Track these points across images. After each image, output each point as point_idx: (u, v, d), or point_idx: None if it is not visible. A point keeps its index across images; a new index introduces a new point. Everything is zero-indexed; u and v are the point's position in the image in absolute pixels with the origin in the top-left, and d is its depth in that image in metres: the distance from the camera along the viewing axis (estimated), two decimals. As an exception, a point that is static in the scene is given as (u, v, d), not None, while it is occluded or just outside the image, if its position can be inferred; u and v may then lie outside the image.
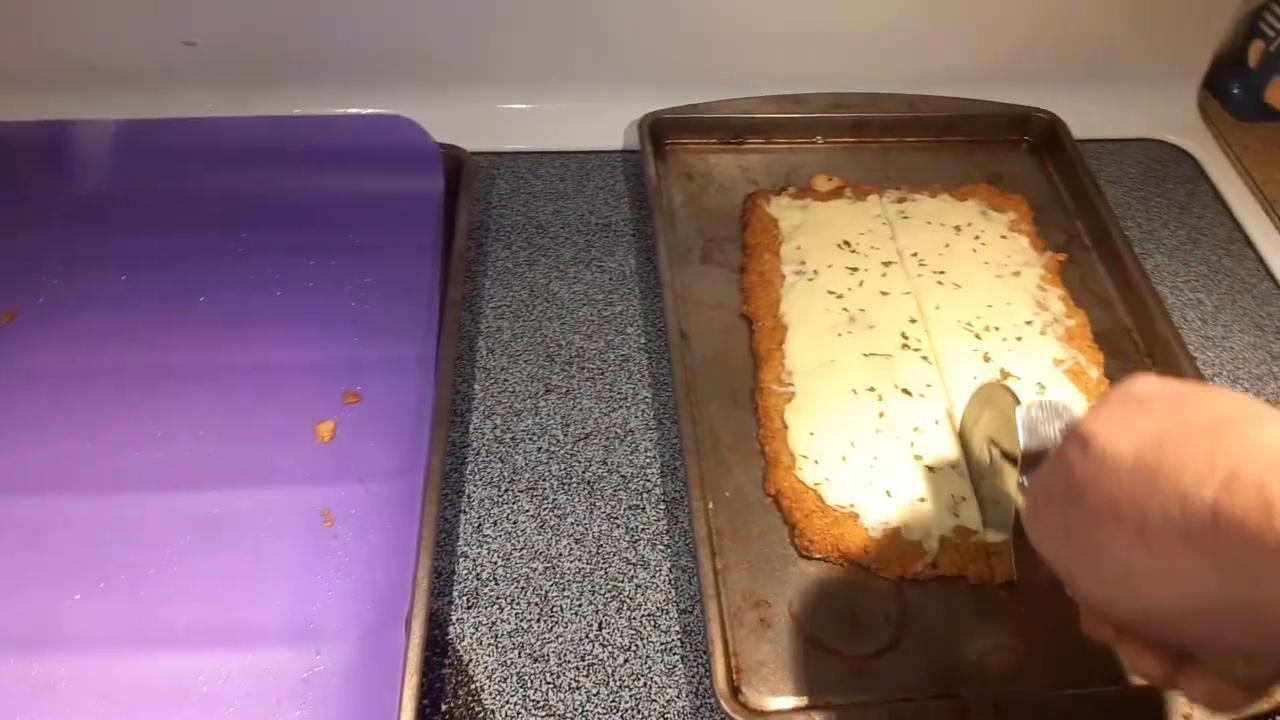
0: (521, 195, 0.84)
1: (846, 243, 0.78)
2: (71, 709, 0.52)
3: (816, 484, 0.63)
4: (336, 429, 0.65)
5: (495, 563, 0.61)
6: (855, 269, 0.76)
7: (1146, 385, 0.42)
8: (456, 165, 0.78)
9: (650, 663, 0.57)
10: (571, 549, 0.62)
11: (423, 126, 0.78)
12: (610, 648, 0.58)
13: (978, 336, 0.72)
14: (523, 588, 0.60)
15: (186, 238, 0.75)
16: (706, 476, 0.64)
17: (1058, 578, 0.44)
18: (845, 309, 0.73)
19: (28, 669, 0.53)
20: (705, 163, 0.87)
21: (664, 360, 0.72)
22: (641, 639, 0.58)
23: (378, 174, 0.79)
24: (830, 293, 0.74)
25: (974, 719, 0.54)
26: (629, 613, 0.59)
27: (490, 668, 0.56)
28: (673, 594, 0.60)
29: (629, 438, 0.68)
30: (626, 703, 0.55)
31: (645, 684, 0.56)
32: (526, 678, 0.56)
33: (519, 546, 0.62)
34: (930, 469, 0.64)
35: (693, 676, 0.57)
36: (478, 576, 0.60)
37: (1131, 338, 0.75)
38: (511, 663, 0.57)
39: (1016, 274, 0.77)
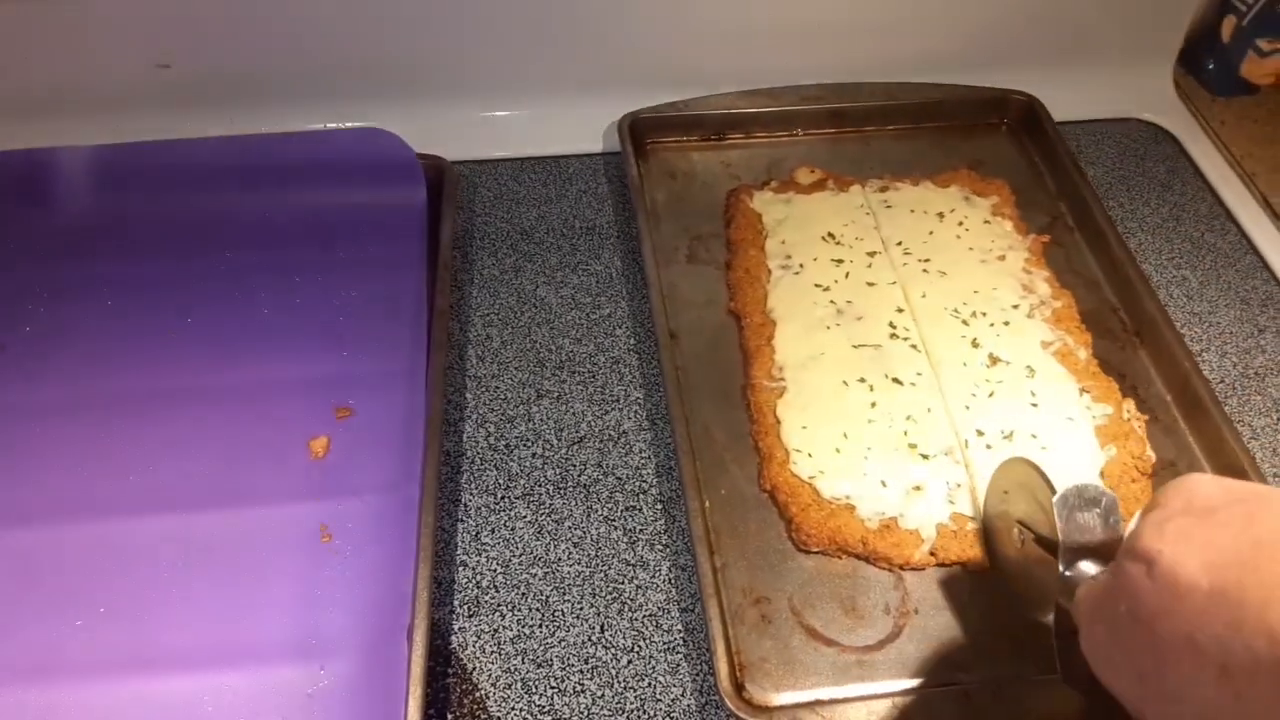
0: (505, 202, 0.84)
1: (831, 234, 0.78)
2: (77, 737, 0.52)
3: (811, 477, 0.63)
4: (330, 444, 0.65)
5: (495, 570, 0.61)
6: (841, 261, 0.77)
7: (1207, 491, 0.38)
8: (438, 175, 0.78)
9: (653, 663, 0.57)
10: (570, 553, 0.62)
11: (402, 138, 0.78)
12: (613, 649, 0.58)
13: (965, 323, 0.72)
14: (523, 594, 0.60)
15: (170, 260, 0.75)
16: (702, 475, 0.64)
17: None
18: (832, 301, 0.74)
19: (31, 698, 0.53)
20: (687, 160, 0.87)
21: (654, 361, 0.72)
22: (644, 640, 0.58)
23: (359, 188, 0.78)
24: (817, 285, 0.75)
25: (975, 704, 0.54)
26: (630, 614, 0.59)
27: (494, 675, 0.57)
28: (673, 593, 0.60)
29: (623, 440, 0.68)
30: (632, 704, 0.56)
31: (649, 684, 0.57)
32: (531, 683, 0.56)
33: (518, 553, 0.62)
34: (924, 457, 0.64)
35: (696, 675, 0.57)
36: (478, 585, 0.61)
37: (1118, 317, 0.75)
38: (515, 669, 0.57)
39: (1001, 258, 0.77)
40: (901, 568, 0.61)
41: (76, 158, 0.77)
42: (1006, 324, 0.72)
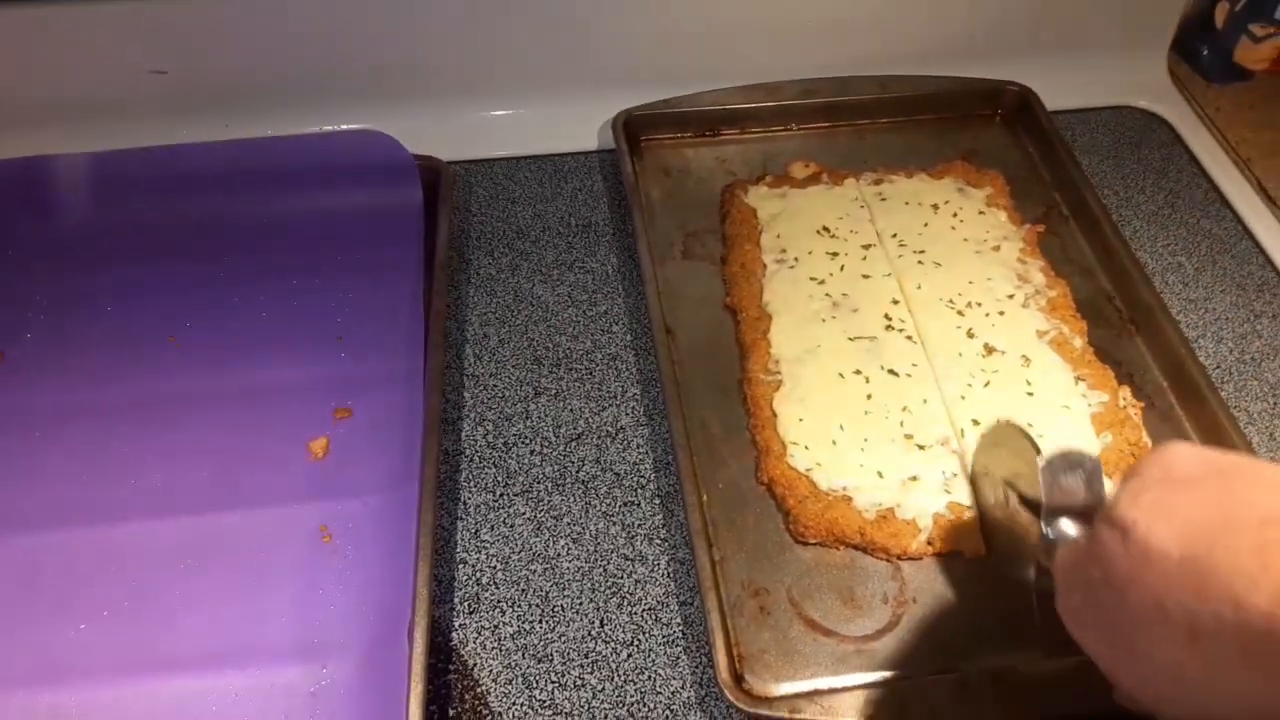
0: (501, 201, 0.84)
1: (826, 228, 0.79)
2: (83, 738, 0.53)
3: (808, 470, 0.64)
4: (329, 445, 0.66)
5: (494, 567, 0.62)
6: (835, 254, 0.77)
7: (1184, 461, 0.39)
8: (434, 175, 0.79)
9: (653, 656, 0.58)
10: (569, 549, 0.62)
11: (398, 140, 0.78)
12: (613, 644, 0.58)
13: (960, 313, 0.72)
14: (523, 590, 0.61)
15: (169, 266, 0.75)
16: (699, 469, 0.64)
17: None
18: (828, 294, 0.74)
19: (36, 701, 0.54)
20: (681, 157, 0.87)
21: (651, 357, 0.73)
22: (643, 633, 0.59)
23: (355, 190, 0.79)
24: (812, 279, 0.75)
25: (973, 691, 0.54)
26: (630, 608, 0.60)
27: (495, 671, 0.57)
28: (672, 587, 0.61)
29: (620, 435, 0.68)
30: (632, 696, 0.56)
31: (649, 677, 0.57)
32: (531, 678, 0.57)
33: (517, 549, 0.62)
34: (920, 447, 0.65)
35: (696, 667, 0.57)
36: (478, 582, 0.61)
37: (1114, 305, 0.75)
38: (516, 664, 0.57)
39: (996, 249, 0.77)
40: (899, 557, 0.61)
41: (74, 165, 0.78)
42: (1001, 314, 0.72)
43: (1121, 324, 0.74)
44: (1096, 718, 0.50)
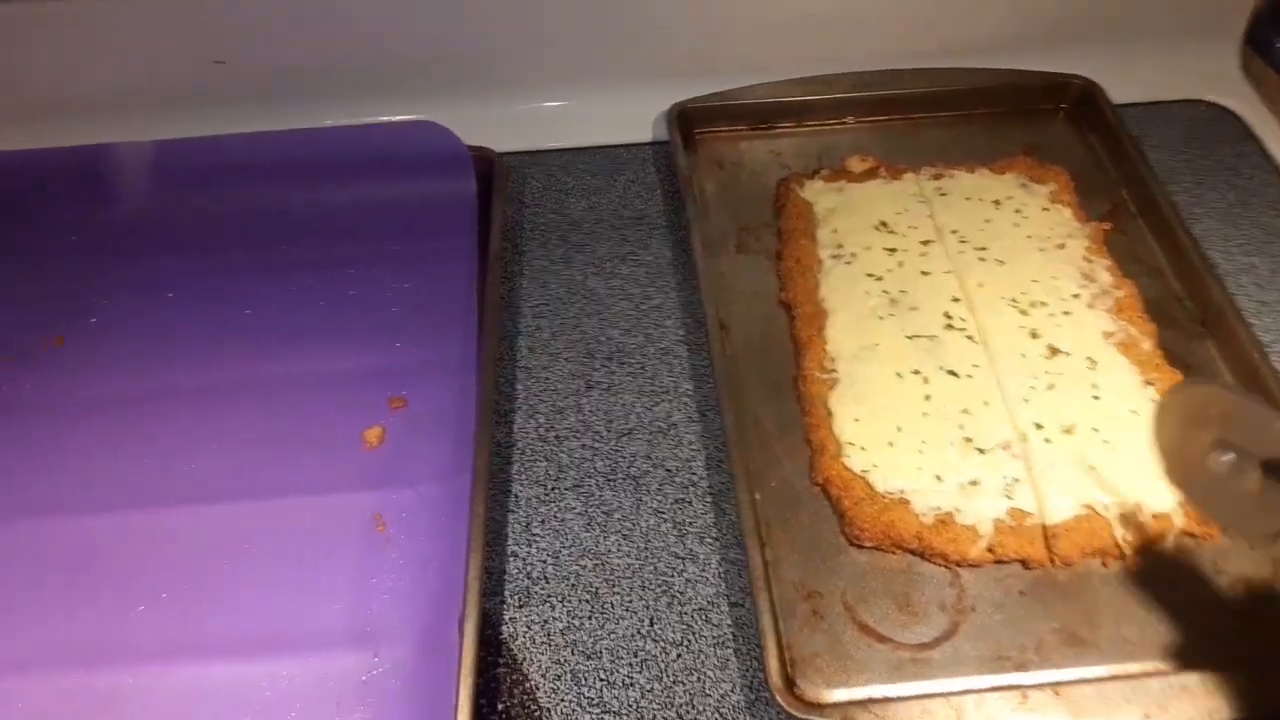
0: (554, 193, 0.84)
1: (884, 223, 0.77)
2: (138, 718, 0.54)
3: (864, 471, 0.62)
4: (385, 434, 0.66)
5: (545, 561, 0.61)
6: (894, 250, 0.75)
7: None
8: (488, 167, 0.79)
9: (703, 657, 0.57)
10: (620, 545, 0.62)
11: (453, 131, 0.78)
12: (662, 643, 0.58)
13: (1024, 313, 0.71)
14: (573, 585, 0.60)
15: (228, 253, 0.76)
16: (752, 467, 0.64)
17: None
18: (885, 291, 0.72)
19: (95, 681, 0.55)
20: (736, 150, 0.86)
21: (704, 352, 0.72)
22: (693, 633, 0.58)
23: (411, 180, 0.79)
24: (869, 275, 0.74)
25: (1033, 705, 0.53)
26: (679, 607, 0.59)
27: (544, 666, 0.57)
28: (723, 587, 0.60)
29: (672, 431, 0.68)
30: (681, 698, 0.55)
31: (699, 679, 0.56)
32: (580, 675, 0.56)
33: (567, 544, 0.62)
34: (980, 451, 0.63)
35: (746, 670, 0.57)
36: (528, 575, 0.61)
37: (1183, 306, 0.73)
38: (565, 660, 0.57)
39: (1061, 246, 0.75)
40: (958, 564, 0.60)
41: (136, 153, 0.79)
42: (1067, 314, 0.70)
43: (1192, 326, 0.71)
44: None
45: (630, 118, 0.88)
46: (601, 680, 0.56)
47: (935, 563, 0.60)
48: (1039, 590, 0.58)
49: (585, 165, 0.86)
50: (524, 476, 0.65)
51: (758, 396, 0.68)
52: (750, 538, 0.59)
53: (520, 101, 0.89)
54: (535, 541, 0.62)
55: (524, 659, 0.57)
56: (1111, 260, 0.74)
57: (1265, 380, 0.66)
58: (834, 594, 0.59)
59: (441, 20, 0.84)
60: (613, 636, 0.58)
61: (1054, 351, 0.68)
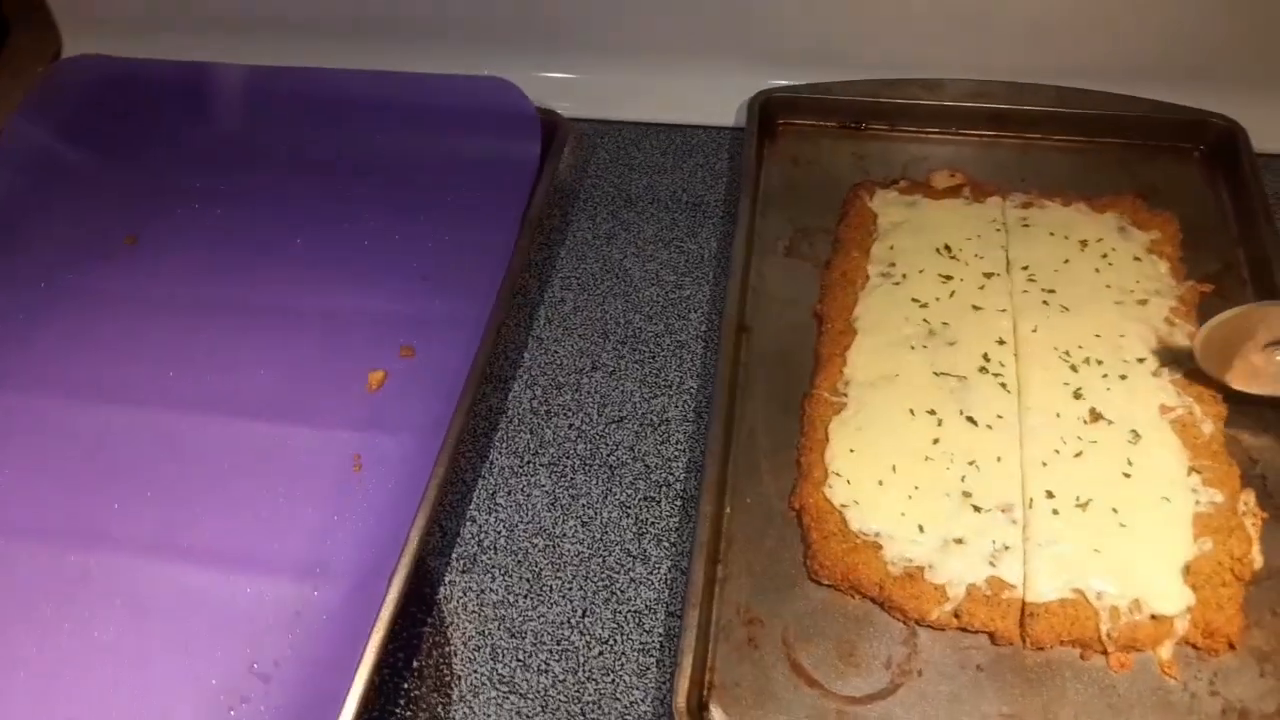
0: (619, 166, 0.82)
1: (947, 247, 0.71)
2: (97, 600, 0.58)
3: (843, 505, 0.58)
4: (385, 379, 0.68)
5: (499, 531, 0.61)
6: (949, 277, 0.69)
7: None
8: (550, 131, 0.78)
9: (624, 660, 0.56)
10: (576, 531, 0.61)
11: (524, 92, 0.78)
12: (588, 637, 0.56)
13: (1074, 369, 0.64)
14: (519, 561, 0.60)
15: (293, 181, 0.80)
16: (733, 481, 0.61)
17: None
18: (926, 320, 0.67)
19: (67, 559, 0.59)
20: (816, 147, 0.81)
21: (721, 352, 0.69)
22: (622, 634, 0.57)
23: (477, 135, 0.80)
24: (914, 300, 0.68)
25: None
26: (616, 605, 0.58)
27: (468, 634, 0.57)
28: (665, 594, 0.58)
29: (663, 427, 0.66)
30: (589, 695, 0.54)
31: (613, 681, 0.55)
32: (499, 651, 0.56)
33: (526, 519, 0.62)
34: (976, 509, 0.58)
35: (662, 683, 0.55)
36: (479, 543, 0.61)
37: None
38: (489, 633, 0.57)
39: (1142, 302, 0.67)
40: (917, 622, 0.55)
41: (233, 75, 0.83)
42: (1123, 378, 0.63)
43: (1273, 417, 0.62)
44: None
45: (713, 100, 0.85)
46: (518, 661, 0.56)
47: (894, 616, 0.56)
48: (1000, 670, 0.53)
49: (657, 143, 0.84)
50: (504, 445, 0.65)
51: (761, 408, 0.65)
52: (700, 550, 0.56)
53: (604, 69, 0.87)
54: (496, 511, 0.62)
55: (451, 623, 0.57)
56: (1197, 327, 0.65)
57: (1340, 493, 0.56)
58: (776, 626, 0.56)
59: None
60: (542, 620, 0.57)
61: (1095, 417, 0.61)
